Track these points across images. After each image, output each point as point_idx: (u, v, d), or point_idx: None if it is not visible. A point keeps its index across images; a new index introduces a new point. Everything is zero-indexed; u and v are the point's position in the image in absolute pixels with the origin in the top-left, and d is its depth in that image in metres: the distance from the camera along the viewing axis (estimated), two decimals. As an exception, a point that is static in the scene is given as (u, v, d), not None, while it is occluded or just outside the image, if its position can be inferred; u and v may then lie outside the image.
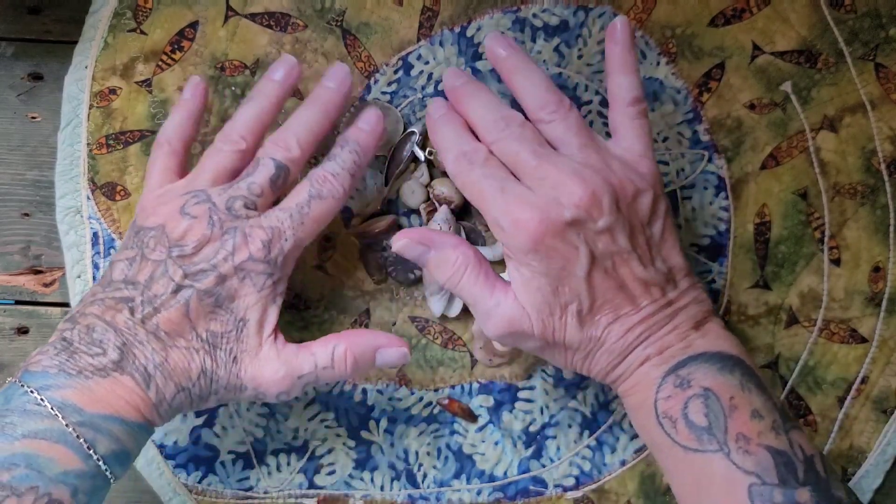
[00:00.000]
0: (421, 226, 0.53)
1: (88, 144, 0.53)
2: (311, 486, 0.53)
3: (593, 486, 0.53)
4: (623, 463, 0.53)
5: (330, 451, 0.53)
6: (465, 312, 0.53)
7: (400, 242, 0.45)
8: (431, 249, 0.45)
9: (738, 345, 0.44)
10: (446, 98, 0.48)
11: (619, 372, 0.44)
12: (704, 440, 0.41)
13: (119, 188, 0.53)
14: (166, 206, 0.44)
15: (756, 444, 0.40)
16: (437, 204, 0.52)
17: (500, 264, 0.53)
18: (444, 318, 0.53)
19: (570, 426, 0.53)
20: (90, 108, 0.53)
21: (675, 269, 0.44)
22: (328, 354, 0.44)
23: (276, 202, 0.46)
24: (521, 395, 0.53)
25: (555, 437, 0.53)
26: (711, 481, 0.40)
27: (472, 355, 0.53)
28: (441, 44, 0.53)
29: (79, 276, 0.53)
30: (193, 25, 0.53)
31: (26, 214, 0.54)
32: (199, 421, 0.53)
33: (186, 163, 0.48)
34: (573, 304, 0.43)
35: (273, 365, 0.44)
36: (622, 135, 0.45)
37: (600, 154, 0.44)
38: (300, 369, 0.44)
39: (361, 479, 0.53)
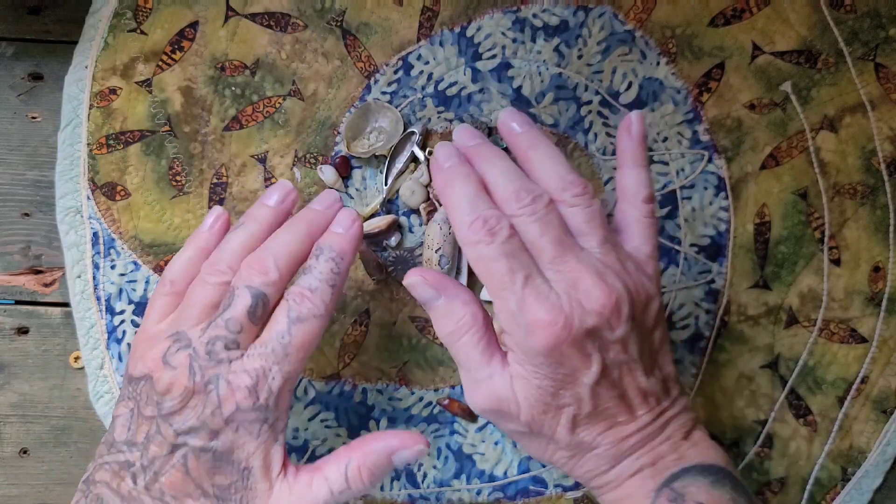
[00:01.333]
0: (421, 226, 0.53)
1: (88, 144, 0.53)
2: (311, 485, 0.53)
3: (593, 486, 0.53)
4: (623, 463, 0.53)
5: (330, 451, 0.53)
6: (465, 312, 0.53)
7: (412, 279, 0.43)
8: (442, 296, 0.43)
9: (723, 454, 0.43)
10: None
11: (607, 479, 0.42)
12: None
13: (119, 188, 0.53)
14: (152, 350, 0.41)
15: None
16: (437, 204, 0.52)
17: (500, 264, 0.53)
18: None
19: (570, 426, 0.53)
20: (90, 108, 0.53)
21: (669, 378, 0.43)
22: (341, 476, 0.41)
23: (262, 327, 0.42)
24: (521, 395, 0.53)
25: (555, 437, 0.53)
26: None
27: (472, 355, 0.53)
28: (441, 44, 0.53)
29: (79, 276, 0.53)
30: (193, 25, 0.53)
31: (26, 214, 0.54)
32: (200, 421, 0.53)
33: None
34: (571, 407, 0.41)
35: (287, 503, 0.41)
36: (632, 234, 0.44)
37: (617, 253, 0.42)
38: (315, 501, 0.41)
39: (361, 479, 0.53)
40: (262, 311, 0.41)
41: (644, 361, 0.41)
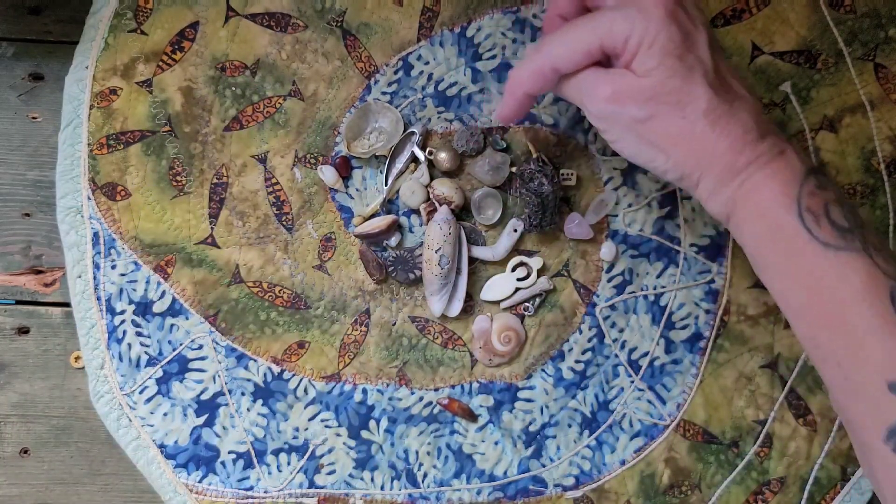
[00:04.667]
0: (421, 226, 0.53)
1: (89, 145, 0.53)
2: (312, 485, 0.53)
3: (593, 486, 0.53)
4: (623, 463, 0.53)
5: (330, 451, 0.53)
6: (465, 312, 0.53)
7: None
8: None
9: None
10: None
11: (756, 153, 0.41)
12: (848, 238, 0.40)
13: (119, 188, 0.53)
14: None
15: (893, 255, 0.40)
16: (437, 204, 0.52)
17: (500, 264, 0.53)
18: (444, 317, 0.53)
19: (569, 426, 0.53)
20: (91, 109, 0.53)
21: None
22: None
23: None
24: (521, 394, 0.53)
25: (555, 437, 0.53)
26: (848, 282, 0.39)
27: (472, 355, 0.53)
28: (441, 44, 0.53)
29: (79, 276, 0.53)
30: (194, 26, 0.53)
31: (27, 214, 0.55)
32: (200, 421, 0.53)
33: None
34: (699, 67, 0.41)
35: None
36: None
37: None
38: None
39: (361, 479, 0.53)
40: None
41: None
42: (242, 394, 0.53)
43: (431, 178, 0.53)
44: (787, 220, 0.41)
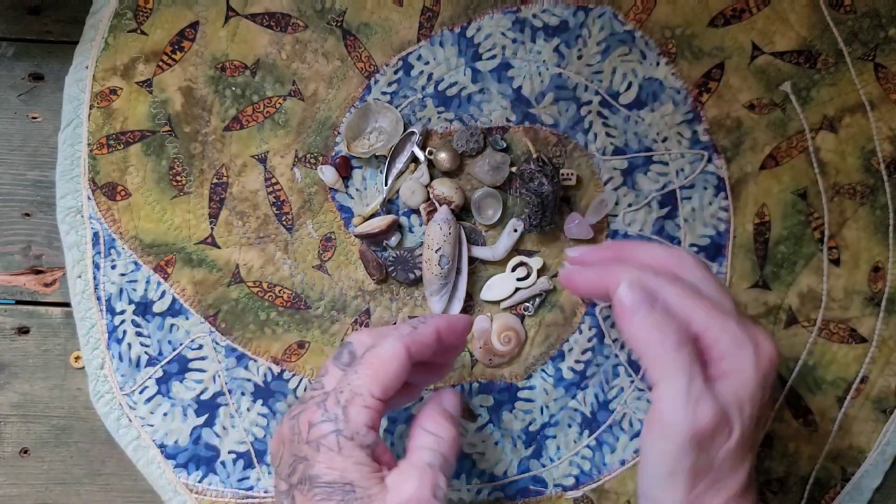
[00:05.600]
0: (421, 226, 0.53)
1: (89, 145, 0.53)
2: (312, 485, 0.53)
3: (593, 486, 0.53)
4: (623, 463, 0.53)
5: (330, 451, 0.53)
6: (465, 312, 0.53)
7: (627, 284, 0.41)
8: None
9: None
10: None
11: None
12: None
13: (119, 188, 0.53)
14: None
15: None
16: (437, 204, 0.52)
17: (500, 264, 0.53)
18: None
19: (569, 426, 0.53)
20: (91, 109, 0.53)
21: None
22: (431, 432, 0.43)
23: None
24: (521, 394, 0.53)
25: (555, 437, 0.53)
26: None
27: (472, 355, 0.53)
28: (441, 44, 0.53)
29: (79, 276, 0.53)
30: (194, 26, 0.53)
31: (27, 214, 0.55)
32: (200, 421, 0.53)
33: None
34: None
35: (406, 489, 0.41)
36: None
37: None
38: (429, 464, 0.42)
39: (361, 479, 0.53)
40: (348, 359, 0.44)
41: None
42: (242, 394, 0.53)
43: (431, 178, 0.53)
44: None
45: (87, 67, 0.53)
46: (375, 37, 0.53)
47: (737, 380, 0.40)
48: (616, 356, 0.53)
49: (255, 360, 0.53)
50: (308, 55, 0.53)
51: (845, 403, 0.53)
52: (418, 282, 0.53)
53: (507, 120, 0.53)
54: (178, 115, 0.53)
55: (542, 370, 0.53)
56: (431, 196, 0.52)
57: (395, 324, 0.53)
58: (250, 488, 0.53)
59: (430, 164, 0.53)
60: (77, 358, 0.54)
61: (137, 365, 0.53)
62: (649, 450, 0.40)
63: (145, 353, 0.53)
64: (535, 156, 0.52)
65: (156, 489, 0.53)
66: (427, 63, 0.53)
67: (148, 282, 0.53)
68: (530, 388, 0.53)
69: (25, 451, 0.54)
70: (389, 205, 0.53)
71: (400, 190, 0.53)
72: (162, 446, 0.53)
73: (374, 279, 0.53)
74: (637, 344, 0.40)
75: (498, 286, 0.53)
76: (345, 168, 0.53)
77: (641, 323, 0.40)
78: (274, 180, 0.53)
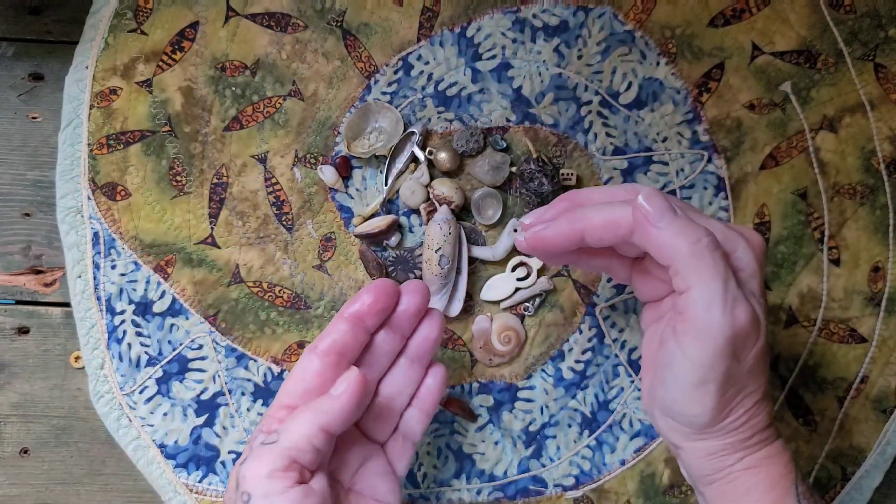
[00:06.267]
0: (421, 226, 0.53)
1: (89, 145, 0.53)
2: (312, 485, 0.53)
3: (593, 486, 0.53)
4: (623, 463, 0.53)
5: (330, 451, 0.53)
6: (465, 312, 0.53)
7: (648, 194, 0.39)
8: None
9: None
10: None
11: (762, 436, 0.42)
12: None
13: (119, 188, 0.53)
14: None
15: None
16: (437, 204, 0.52)
17: (500, 264, 0.53)
18: (444, 317, 0.53)
19: (569, 426, 0.53)
20: (91, 109, 0.53)
21: None
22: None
23: None
24: (520, 394, 0.53)
25: (555, 437, 0.53)
26: None
27: (472, 355, 0.53)
28: (441, 44, 0.53)
29: (79, 276, 0.53)
30: (194, 26, 0.53)
31: (27, 214, 0.55)
32: (200, 421, 0.53)
33: None
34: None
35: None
36: None
37: None
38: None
39: (361, 479, 0.53)
40: None
41: None
42: (242, 394, 0.53)
43: (431, 178, 0.53)
44: (783, 493, 0.41)
45: (87, 67, 0.53)
46: (375, 37, 0.53)
47: (744, 275, 0.39)
48: (616, 356, 0.53)
49: (255, 360, 0.53)
50: (308, 55, 0.53)
51: (845, 403, 0.53)
52: (418, 282, 0.53)
53: (507, 120, 0.53)
54: (178, 115, 0.53)
55: (542, 370, 0.53)
56: (431, 196, 0.52)
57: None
58: (250, 488, 0.53)
59: (430, 164, 0.53)
60: (77, 358, 0.54)
61: (137, 365, 0.53)
62: (679, 361, 0.39)
63: (145, 353, 0.53)
64: (535, 156, 0.52)
65: (156, 489, 0.53)
66: (427, 63, 0.53)
67: (148, 282, 0.53)
68: (530, 388, 0.53)
69: (25, 451, 0.54)
70: (389, 205, 0.53)
71: (400, 190, 0.53)
72: (162, 446, 0.53)
73: (374, 279, 0.53)
74: (665, 251, 0.38)
75: (498, 286, 0.53)
76: (345, 168, 0.53)
77: (669, 227, 0.38)
78: (274, 180, 0.53)
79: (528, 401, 0.53)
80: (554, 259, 0.45)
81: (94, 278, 0.53)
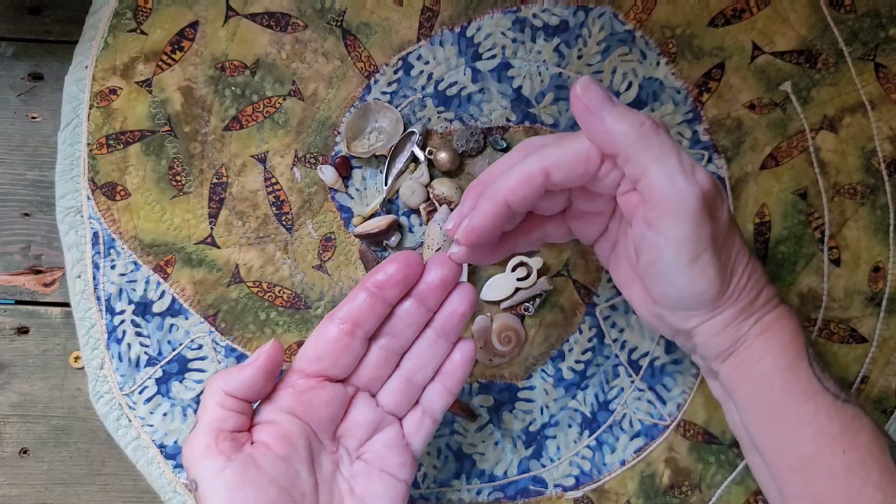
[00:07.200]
0: (421, 226, 0.53)
1: (89, 144, 0.53)
2: (311, 485, 0.53)
3: (593, 486, 0.53)
4: (623, 463, 0.53)
5: (330, 451, 0.53)
6: (465, 312, 0.53)
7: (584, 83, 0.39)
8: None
9: None
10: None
11: (768, 295, 0.42)
12: (851, 394, 0.42)
13: (119, 188, 0.53)
14: None
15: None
16: (437, 204, 0.52)
17: (500, 264, 0.53)
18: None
19: (570, 426, 0.53)
20: (90, 108, 0.53)
21: None
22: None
23: None
24: (520, 394, 0.53)
25: (555, 437, 0.53)
26: (858, 433, 0.41)
27: (472, 355, 0.53)
28: (441, 44, 0.53)
29: (79, 276, 0.53)
30: (193, 25, 0.53)
31: (27, 214, 0.55)
32: (200, 421, 0.53)
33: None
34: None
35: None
36: None
37: None
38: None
39: (361, 479, 0.53)
40: None
41: None
42: (242, 394, 0.53)
43: (431, 178, 0.53)
44: (800, 367, 0.42)
45: (86, 67, 0.53)
46: (375, 36, 0.53)
47: None
48: (616, 356, 0.53)
49: (255, 360, 0.53)
50: (308, 55, 0.53)
51: (845, 403, 0.53)
52: (418, 282, 0.53)
53: (507, 120, 0.53)
54: (177, 115, 0.53)
55: (542, 370, 0.53)
56: (431, 196, 0.52)
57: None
58: (250, 488, 0.53)
59: (430, 164, 0.53)
60: (77, 358, 0.54)
61: (137, 365, 0.53)
62: (665, 247, 0.39)
63: (145, 353, 0.53)
64: (535, 156, 0.52)
65: (156, 489, 0.53)
66: (427, 63, 0.53)
67: (147, 282, 0.53)
68: (530, 388, 0.53)
69: (25, 451, 0.54)
70: (389, 205, 0.53)
71: (400, 190, 0.53)
72: (162, 446, 0.53)
73: (373, 279, 0.53)
74: (612, 138, 0.38)
75: (498, 286, 0.53)
76: (345, 168, 0.53)
77: (611, 115, 0.38)
78: (274, 180, 0.53)
79: (528, 401, 0.53)
80: (493, 253, 0.44)
81: (94, 278, 0.53)
